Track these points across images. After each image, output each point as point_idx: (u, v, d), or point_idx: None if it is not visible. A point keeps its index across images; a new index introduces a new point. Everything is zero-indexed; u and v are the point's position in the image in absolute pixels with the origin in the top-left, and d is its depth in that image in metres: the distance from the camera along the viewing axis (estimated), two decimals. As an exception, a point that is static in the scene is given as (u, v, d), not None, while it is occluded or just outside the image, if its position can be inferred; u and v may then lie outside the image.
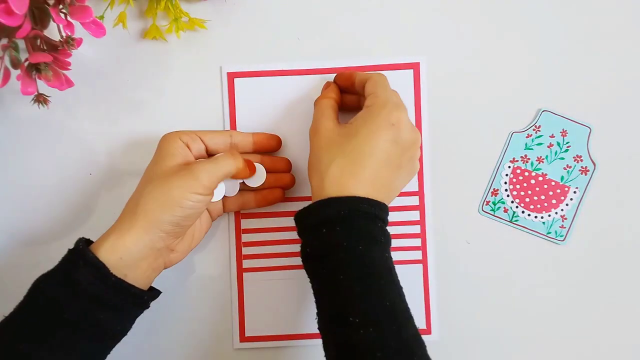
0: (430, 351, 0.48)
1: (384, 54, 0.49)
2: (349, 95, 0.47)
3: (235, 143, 0.46)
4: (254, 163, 0.46)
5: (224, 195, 0.46)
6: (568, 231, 0.49)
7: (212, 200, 0.45)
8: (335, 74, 0.47)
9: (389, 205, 0.41)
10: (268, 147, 0.47)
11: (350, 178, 0.39)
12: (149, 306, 0.42)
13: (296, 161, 0.49)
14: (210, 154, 0.45)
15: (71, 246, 0.40)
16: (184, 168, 0.41)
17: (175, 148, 0.42)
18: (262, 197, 0.47)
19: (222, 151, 0.45)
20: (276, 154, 0.49)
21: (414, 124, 0.48)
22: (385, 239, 0.39)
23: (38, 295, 0.38)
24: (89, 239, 0.41)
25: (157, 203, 0.39)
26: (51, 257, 0.48)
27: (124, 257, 0.38)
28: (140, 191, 0.41)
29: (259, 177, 0.46)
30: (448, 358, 0.49)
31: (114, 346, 0.40)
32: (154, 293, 0.42)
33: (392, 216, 0.48)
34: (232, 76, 0.49)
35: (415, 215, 0.49)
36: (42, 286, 0.38)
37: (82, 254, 0.38)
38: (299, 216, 0.41)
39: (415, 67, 0.49)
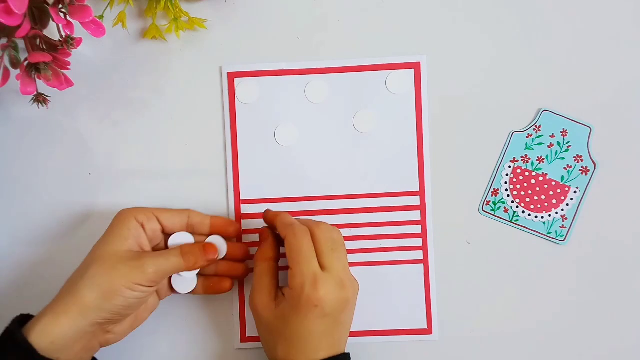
0: (430, 351, 0.48)
1: (385, 53, 0.49)
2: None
3: (192, 224, 0.45)
4: (216, 237, 0.45)
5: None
6: (568, 231, 0.49)
7: (181, 293, 0.45)
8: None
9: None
10: (225, 233, 0.46)
11: (299, 355, 0.39)
12: None
13: (296, 161, 0.49)
14: (166, 233, 0.44)
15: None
16: (132, 257, 0.40)
17: (128, 229, 0.41)
18: (210, 286, 0.46)
19: (178, 231, 0.44)
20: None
21: (415, 123, 0.49)
22: None
23: None
24: (28, 315, 0.40)
25: (99, 290, 0.38)
26: (51, 257, 0.49)
27: (55, 341, 0.38)
28: (82, 272, 0.40)
29: (221, 252, 0.45)
30: (448, 358, 0.49)
31: None
32: None
33: (394, 216, 0.48)
34: (232, 76, 0.49)
35: (416, 215, 0.49)
36: None
37: (11, 336, 0.37)
38: None
39: (416, 66, 0.49)
